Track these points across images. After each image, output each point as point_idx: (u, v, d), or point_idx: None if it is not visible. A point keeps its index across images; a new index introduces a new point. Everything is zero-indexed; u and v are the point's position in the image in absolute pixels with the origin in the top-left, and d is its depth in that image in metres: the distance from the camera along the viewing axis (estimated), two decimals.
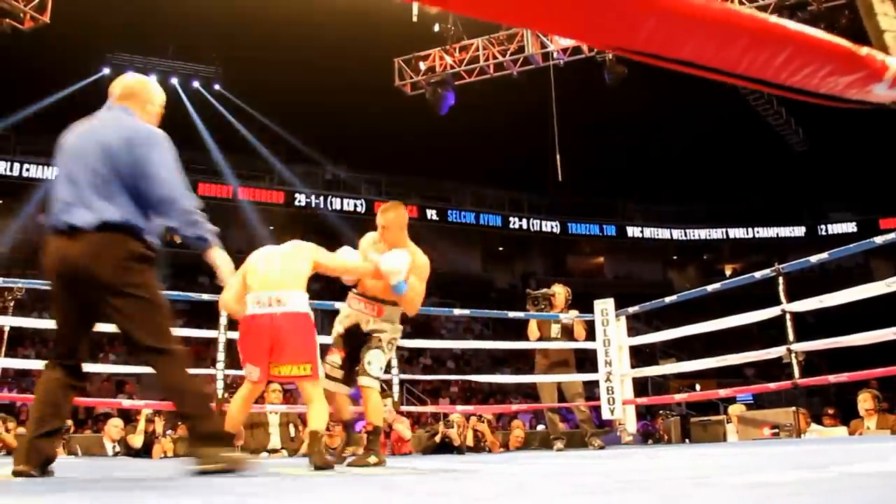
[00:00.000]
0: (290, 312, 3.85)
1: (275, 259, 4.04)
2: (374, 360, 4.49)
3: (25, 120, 22.32)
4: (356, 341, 4.62)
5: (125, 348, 3.49)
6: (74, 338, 3.16)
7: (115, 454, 7.34)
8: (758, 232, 31.54)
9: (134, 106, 3.35)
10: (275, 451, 7.25)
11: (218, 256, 3.33)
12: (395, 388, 7.35)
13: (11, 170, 22.50)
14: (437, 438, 7.20)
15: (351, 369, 4.59)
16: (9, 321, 7.06)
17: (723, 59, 1.25)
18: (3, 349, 7.54)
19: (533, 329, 7.65)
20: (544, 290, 7.77)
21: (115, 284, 2.99)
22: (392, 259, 4.34)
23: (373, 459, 4.26)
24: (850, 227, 30.12)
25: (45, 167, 22.34)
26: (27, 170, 22.56)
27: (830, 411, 8.96)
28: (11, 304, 7.28)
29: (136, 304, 3.03)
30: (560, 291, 7.75)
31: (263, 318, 3.84)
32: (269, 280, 3.93)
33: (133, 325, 3.03)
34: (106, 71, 24.02)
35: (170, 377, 3.05)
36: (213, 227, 3.26)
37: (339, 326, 4.75)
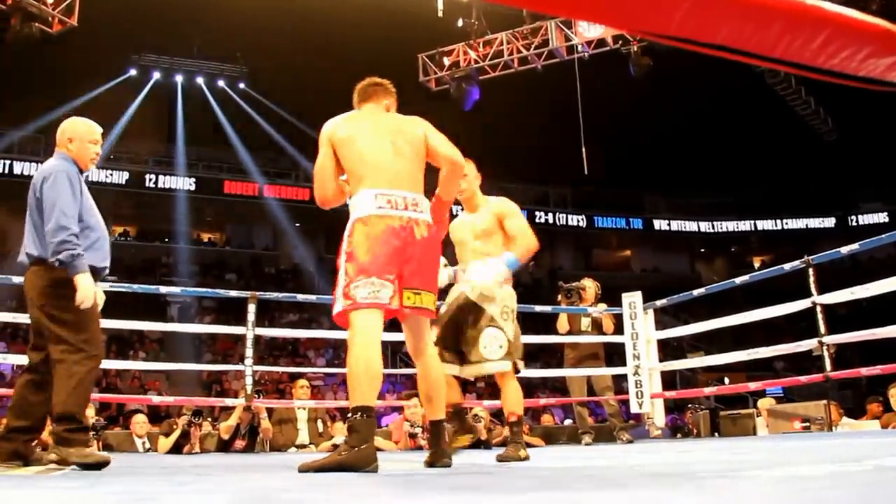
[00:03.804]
0: (430, 223, 3.27)
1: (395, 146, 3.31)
2: (490, 342, 4.11)
3: (54, 122, 22.57)
4: (462, 315, 4.24)
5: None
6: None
7: (147, 450, 7.40)
8: (787, 223, 31.21)
9: (60, 149, 3.80)
10: (303, 446, 7.28)
11: (83, 281, 3.48)
12: None
13: None
14: None
15: (449, 346, 4.19)
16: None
17: (759, 42, 1.22)
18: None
19: (562, 322, 7.66)
20: (576, 284, 7.78)
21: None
22: (490, 272, 4.04)
23: (523, 453, 4.00)
24: (881, 218, 29.71)
25: None
26: None
27: (880, 398, 8.84)
28: (50, 278, 7.34)
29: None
30: (590, 286, 7.76)
31: (401, 224, 3.14)
32: (400, 174, 3.25)
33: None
34: (133, 72, 24.30)
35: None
36: (79, 252, 3.50)
37: (448, 299, 4.37)
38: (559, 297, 7.78)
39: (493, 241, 4.37)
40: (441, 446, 3.41)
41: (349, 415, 2.96)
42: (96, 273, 3.63)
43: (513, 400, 4.24)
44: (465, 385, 4.81)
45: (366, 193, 3.15)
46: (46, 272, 3.55)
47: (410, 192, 3.19)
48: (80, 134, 3.81)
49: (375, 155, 3.22)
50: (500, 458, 4.03)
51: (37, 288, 3.58)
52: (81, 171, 3.77)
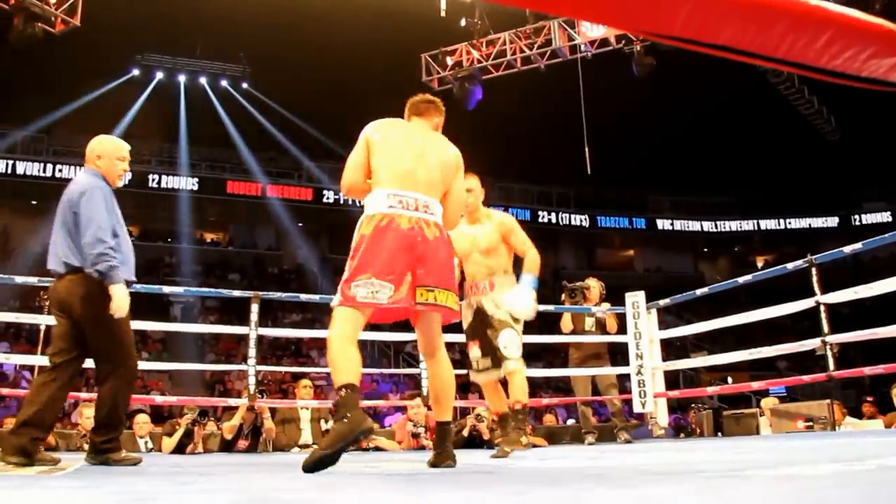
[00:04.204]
0: (440, 224, 3.35)
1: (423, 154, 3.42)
2: (510, 343, 4.49)
3: (57, 122, 22.61)
4: (486, 325, 4.63)
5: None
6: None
7: (150, 450, 7.40)
8: (790, 223, 31.18)
9: (89, 165, 4.06)
10: (306, 446, 7.28)
11: (118, 292, 3.73)
12: (425, 384, 7.34)
13: (44, 171, 22.76)
14: (466, 433, 7.19)
15: (494, 353, 4.59)
16: (46, 320, 7.16)
17: (762, 43, 1.22)
18: (40, 348, 7.66)
19: (566, 322, 7.67)
20: (580, 283, 7.79)
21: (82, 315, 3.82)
22: (520, 300, 4.37)
23: (525, 440, 4.31)
24: (884, 217, 29.66)
25: (78, 168, 22.52)
26: (59, 171, 22.79)
27: (870, 399, 8.88)
28: (48, 303, 7.38)
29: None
30: (595, 285, 7.77)
31: (410, 224, 3.20)
32: (417, 179, 3.32)
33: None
34: (135, 72, 24.31)
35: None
36: (115, 264, 3.75)
37: (467, 314, 4.76)
38: (563, 297, 7.78)
39: (497, 254, 4.72)
40: (446, 447, 3.42)
41: (336, 394, 2.93)
42: (126, 285, 3.84)
43: (520, 389, 4.51)
44: (468, 384, 5.05)
45: (379, 193, 3.23)
46: (87, 281, 3.77)
47: (424, 195, 3.27)
48: (108, 151, 4.06)
49: (399, 160, 3.31)
50: (503, 445, 4.21)
51: (77, 295, 3.78)
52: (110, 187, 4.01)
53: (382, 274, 3.06)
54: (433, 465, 3.37)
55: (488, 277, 4.65)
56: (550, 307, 8.19)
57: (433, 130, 3.60)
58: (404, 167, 3.28)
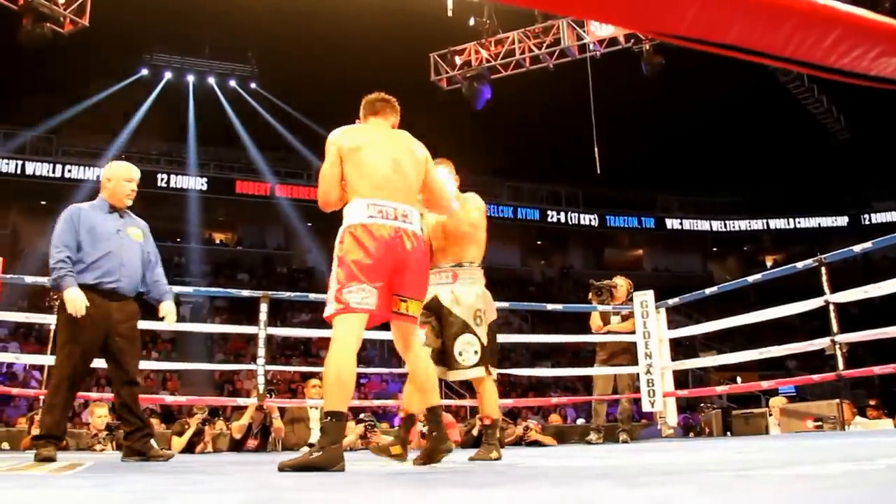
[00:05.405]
0: (418, 234, 3.37)
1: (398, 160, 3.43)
2: (465, 350, 4.15)
3: (66, 122, 22.68)
4: (438, 318, 4.26)
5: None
6: None
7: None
8: (799, 222, 31.08)
9: (102, 189, 4.53)
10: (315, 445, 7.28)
11: (66, 296, 4.14)
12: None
13: (53, 171, 22.80)
14: (475, 432, 7.20)
15: (441, 351, 4.21)
16: (55, 320, 7.18)
17: (769, 42, 1.21)
18: (49, 348, 7.68)
19: (595, 320, 7.77)
20: (607, 281, 7.83)
21: None
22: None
23: (494, 454, 4.04)
24: (894, 216, 29.55)
25: (86, 168, 22.63)
26: (69, 171, 22.86)
27: (873, 402, 8.85)
28: (57, 303, 7.40)
29: None
30: (622, 284, 7.84)
31: (391, 233, 3.24)
32: (395, 187, 3.35)
33: None
34: (144, 72, 24.38)
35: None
36: (62, 274, 4.17)
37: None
38: (590, 295, 7.84)
39: (467, 243, 4.39)
40: (441, 431, 3.48)
41: (323, 419, 3.16)
42: (92, 288, 4.24)
43: (488, 403, 4.28)
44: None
45: (359, 203, 3.27)
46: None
47: (402, 204, 3.31)
48: (116, 174, 4.46)
49: (375, 168, 3.33)
50: (472, 459, 4.09)
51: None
52: (115, 208, 4.45)
53: (372, 280, 3.16)
54: (431, 451, 3.43)
55: (452, 268, 4.31)
56: (559, 306, 8.18)
57: (395, 129, 3.61)
58: (381, 175, 3.31)
